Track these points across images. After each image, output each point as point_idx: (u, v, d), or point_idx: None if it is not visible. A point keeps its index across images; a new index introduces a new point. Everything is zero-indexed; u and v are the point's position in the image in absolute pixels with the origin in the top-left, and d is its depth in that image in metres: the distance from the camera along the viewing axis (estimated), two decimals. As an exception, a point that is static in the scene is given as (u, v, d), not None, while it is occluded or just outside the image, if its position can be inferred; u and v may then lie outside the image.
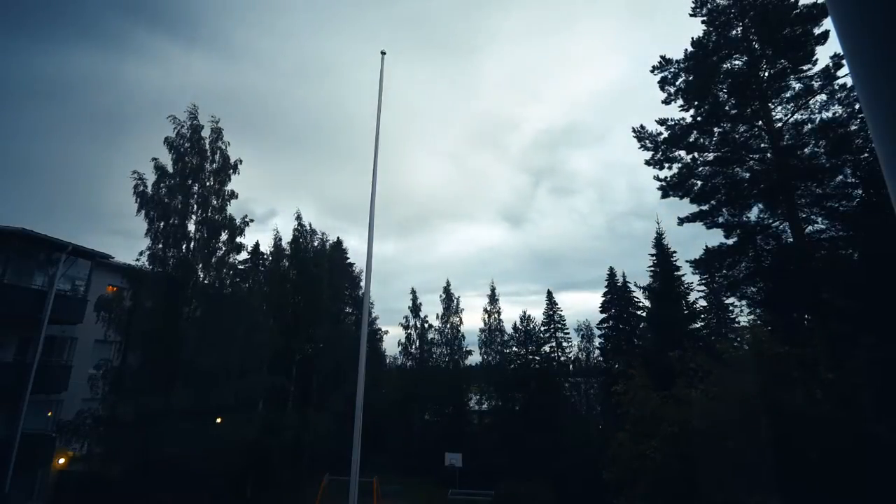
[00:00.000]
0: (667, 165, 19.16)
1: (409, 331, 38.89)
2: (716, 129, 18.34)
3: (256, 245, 32.97)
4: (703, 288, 26.97)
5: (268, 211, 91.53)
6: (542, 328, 38.91)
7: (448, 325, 38.83)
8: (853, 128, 15.48)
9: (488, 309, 40.02)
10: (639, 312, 34.03)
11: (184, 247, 18.21)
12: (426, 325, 38.99)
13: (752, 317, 19.52)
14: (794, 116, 17.03)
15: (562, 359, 38.57)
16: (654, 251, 30.29)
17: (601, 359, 37.21)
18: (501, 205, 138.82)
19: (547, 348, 38.25)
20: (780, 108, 17.24)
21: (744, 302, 19.55)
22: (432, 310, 63.58)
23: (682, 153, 18.96)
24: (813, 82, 16.36)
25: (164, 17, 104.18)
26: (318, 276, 30.77)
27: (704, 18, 18.33)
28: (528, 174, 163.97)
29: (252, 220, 19.89)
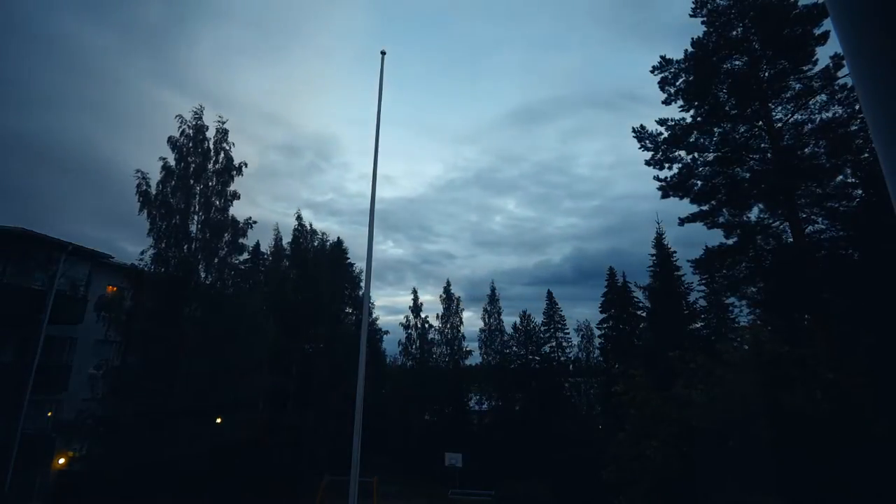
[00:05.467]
0: (667, 165, 19.17)
1: (409, 331, 38.91)
2: (716, 130, 18.34)
3: (257, 245, 33.03)
4: (703, 288, 26.97)
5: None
6: (542, 328, 38.95)
7: (448, 325, 38.85)
8: (853, 128, 15.48)
9: (488, 309, 40.10)
10: (639, 312, 34.03)
11: (185, 247, 18.23)
12: (426, 325, 39.02)
13: (752, 317, 19.56)
14: (795, 116, 17.04)
15: (562, 359, 38.59)
16: (654, 251, 30.29)
17: (601, 359, 37.21)
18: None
19: (547, 348, 38.29)
20: (780, 108, 17.25)
21: (744, 302, 19.55)
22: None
23: (683, 153, 18.97)
24: (813, 82, 16.36)
25: (164, 15, 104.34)
26: (318, 276, 30.79)
27: (704, 19, 18.35)
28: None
29: (255, 222, 19.95)
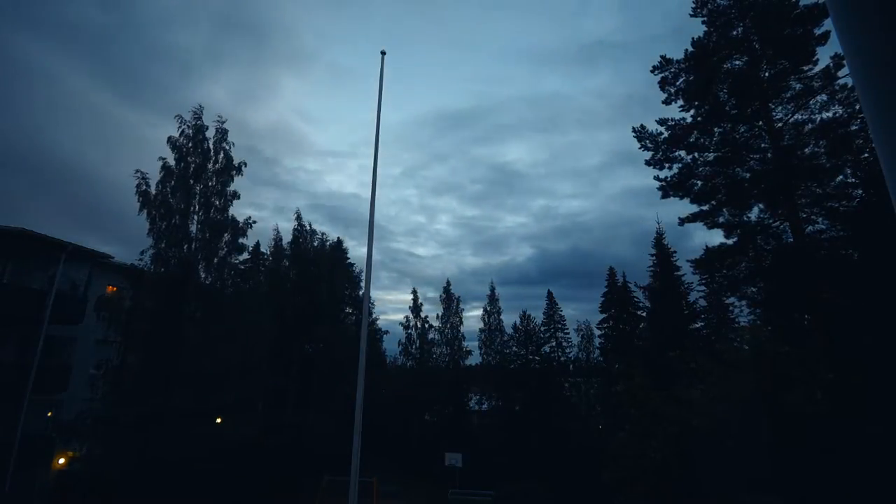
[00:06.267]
0: (667, 165, 19.18)
1: (409, 331, 38.89)
2: (716, 130, 18.34)
3: (257, 245, 33.01)
4: (703, 288, 26.94)
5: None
6: (542, 328, 38.94)
7: (448, 325, 38.83)
8: (853, 128, 15.48)
9: (488, 309, 40.08)
10: (639, 312, 34.01)
11: (185, 247, 18.22)
12: (426, 325, 39.00)
13: (752, 317, 19.54)
14: (795, 116, 17.04)
15: (562, 359, 38.57)
16: (654, 251, 30.27)
17: (601, 359, 37.19)
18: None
19: (547, 348, 38.28)
20: (780, 108, 17.25)
21: (744, 302, 19.55)
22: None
23: (683, 153, 18.98)
24: (813, 82, 16.36)
25: (163, 15, 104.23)
26: (317, 276, 30.78)
27: (705, 19, 18.34)
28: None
29: (255, 222, 19.94)
